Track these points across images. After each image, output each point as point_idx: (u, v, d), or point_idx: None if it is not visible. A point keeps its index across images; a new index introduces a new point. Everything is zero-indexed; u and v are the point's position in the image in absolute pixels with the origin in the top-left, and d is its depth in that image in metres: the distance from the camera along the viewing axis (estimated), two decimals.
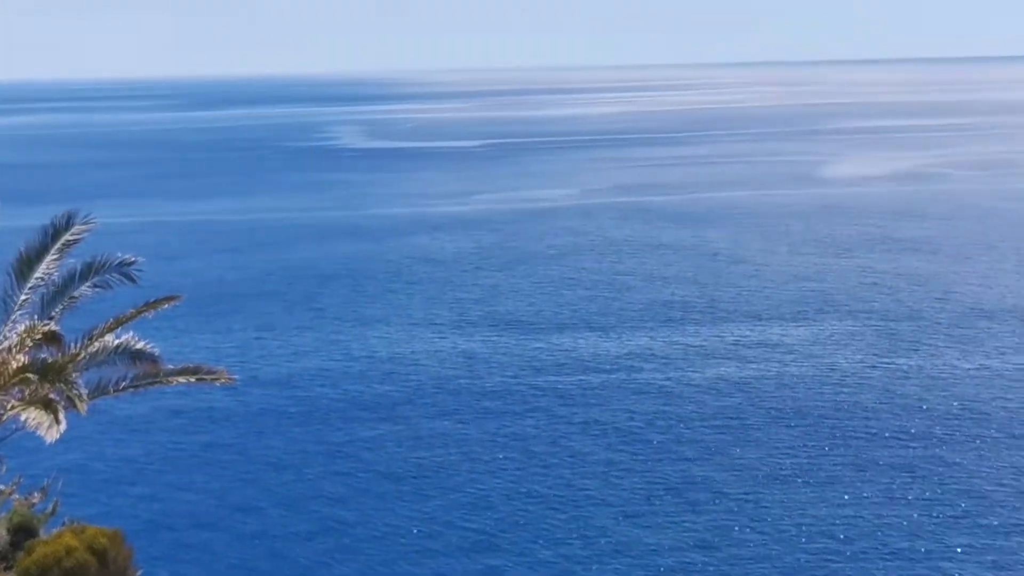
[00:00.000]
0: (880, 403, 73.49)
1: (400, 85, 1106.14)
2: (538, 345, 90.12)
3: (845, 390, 76.33)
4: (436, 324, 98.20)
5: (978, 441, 66.24)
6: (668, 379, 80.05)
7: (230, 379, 31.73)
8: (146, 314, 28.44)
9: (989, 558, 51.67)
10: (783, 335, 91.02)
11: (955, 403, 73.03)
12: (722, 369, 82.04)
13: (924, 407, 72.42)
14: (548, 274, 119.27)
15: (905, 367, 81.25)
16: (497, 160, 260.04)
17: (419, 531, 55.79)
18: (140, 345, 27.86)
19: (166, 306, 29.12)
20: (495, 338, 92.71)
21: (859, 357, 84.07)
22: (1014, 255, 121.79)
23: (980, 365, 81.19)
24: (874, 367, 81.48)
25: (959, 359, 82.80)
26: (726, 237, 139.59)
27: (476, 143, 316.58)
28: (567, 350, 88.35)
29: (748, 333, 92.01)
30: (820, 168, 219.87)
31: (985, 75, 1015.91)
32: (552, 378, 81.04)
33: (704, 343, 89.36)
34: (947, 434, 67.42)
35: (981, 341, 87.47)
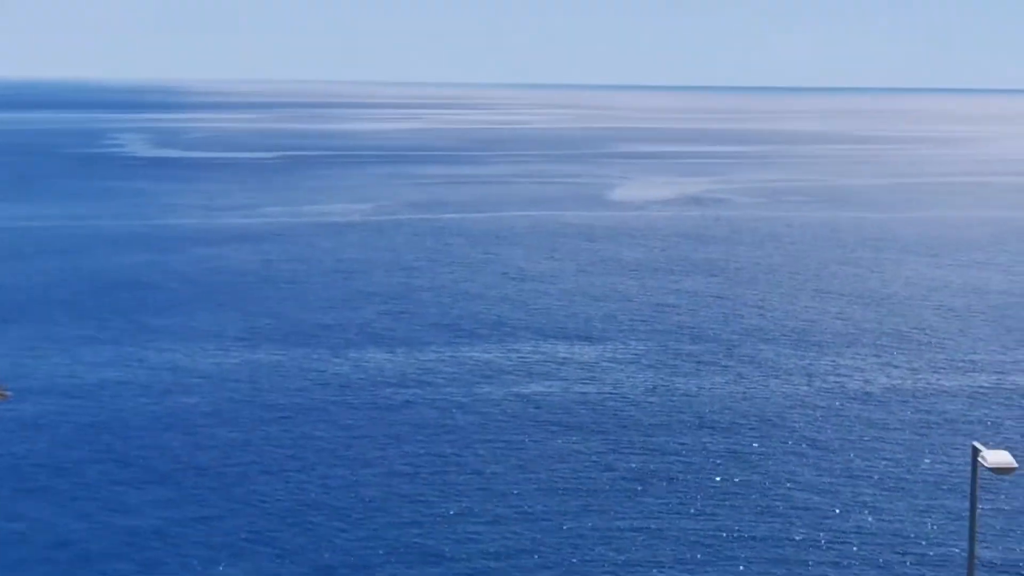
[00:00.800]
0: (663, 420, 75.29)
1: (192, 94, 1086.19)
2: (326, 359, 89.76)
3: (629, 407, 77.97)
4: (223, 336, 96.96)
5: (756, 457, 68.40)
6: (455, 394, 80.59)
7: (3, 395, 30.83)
8: None
9: (759, 569, 53.41)
10: (570, 353, 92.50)
11: (735, 421, 75.29)
12: (510, 386, 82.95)
13: (705, 424, 74.47)
14: (339, 289, 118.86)
15: (688, 386, 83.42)
16: (290, 173, 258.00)
17: (199, 539, 55.05)
18: None
19: None
20: (283, 352, 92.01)
21: (643, 375, 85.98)
22: (790, 279, 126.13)
23: (759, 384, 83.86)
24: (657, 385, 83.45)
25: (740, 379, 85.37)
26: (516, 256, 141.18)
27: (269, 155, 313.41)
28: (355, 365, 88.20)
29: (536, 351, 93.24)
30: (608, 190, 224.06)
31: (772, 105, 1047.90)
32: (338, 392, 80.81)
33: (493, 360, 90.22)
34: (727, 450, 69.45)
35: (760, 362, 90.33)
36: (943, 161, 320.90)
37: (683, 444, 70.61)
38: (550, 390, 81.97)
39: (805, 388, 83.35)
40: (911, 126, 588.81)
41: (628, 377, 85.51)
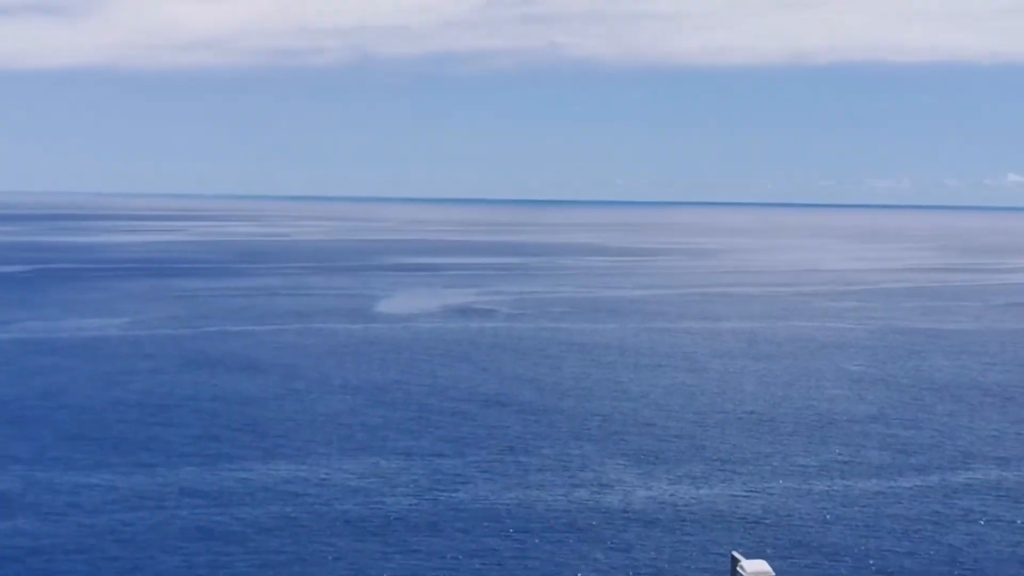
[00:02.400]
0: (430, 523, 74.83)
1: None
2: (78, 475, 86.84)
3: (399, 514, 77.36)
4: None
5: (523, 559, 68.43)
6: (218, 504, 78.72)
7: None
8: None
9: None
10: (335, 464, 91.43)
11: (499, 525, 75.28)
12: (271, 506, 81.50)
13: (470, 528, 74.24)
14: (95, 403, 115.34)
15: (455, 492, 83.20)
16: (44, 286, 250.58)
17: None
18: None
19: None
20: (33, 468, 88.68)
21: (410, 483, 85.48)
22: (552, 388, 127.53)
23: (523, 492, 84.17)
24: (424, 492, 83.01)
25: (507, 487, 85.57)
26: (277, 370, 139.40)
27: (22, 268, 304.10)
28: (110, 479, 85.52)
29: (300, 463, 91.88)
30: (375, 302, 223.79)
31: (540, 217, 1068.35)
32: (97, 509, 78.14)
33: (256, 471, 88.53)
34: (482, 551, 69.28)
35: (527, 469, 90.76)
36: (698, 272, 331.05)
37: (450, 545, 70.27)
38: (316, 500, 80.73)
39: (571, 495, 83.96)
40: (670, 238, 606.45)
41: (394, 487, 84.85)
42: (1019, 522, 79.99)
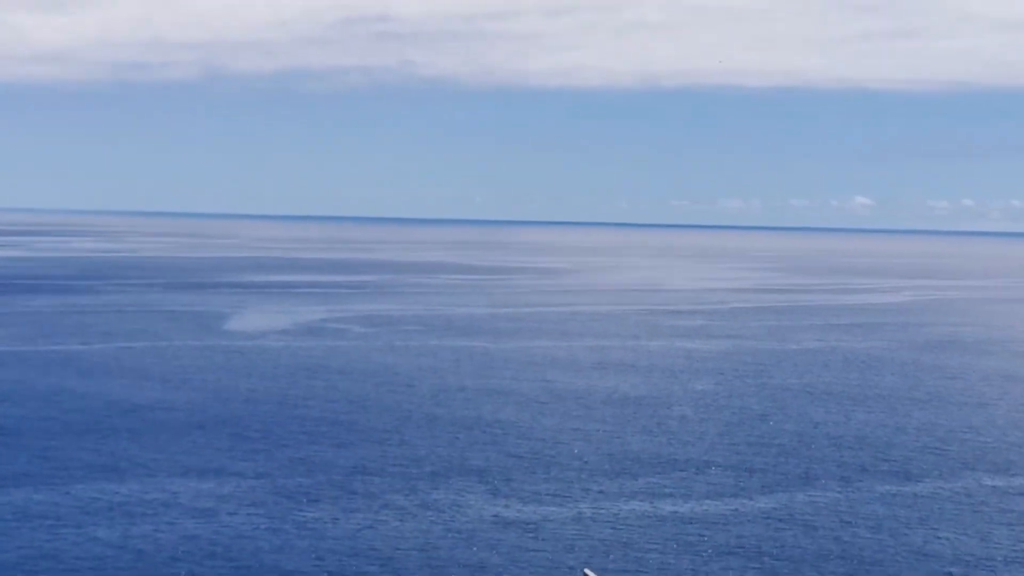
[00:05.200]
0: (270, 550, 73.64)
1: None
2: None
3: (241, 545, 75.96)
4: None
5: None
6: (48, 535, 76.56)
7: None
8: None
9: None
10: (175, 490, 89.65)
11: (344, 555, 74.42)
12: (112, 528, 79.56)
13: (312, 553, 73.24)
14: None
15: (303, 515, 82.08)
16: None
17: None
18: None
19: None
20: None
21: (256, 509, 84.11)
22: (400, 407, 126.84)
23: (371, 517, 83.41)
24: (268, 519, 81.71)
25: (351, 511, 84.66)
26: (122, 389, 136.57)
27: None
28: None
29: (143, 487, 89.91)
30: (223, 320, 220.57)
31: (392, 235, 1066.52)
32: None
33: (90, 497, 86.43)
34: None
35: (371, 495, 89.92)
36: (550, 291, 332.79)
37: (296, 565, 69.33)
38: (159, 521, 79.01)
39: (421, 515, 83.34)
40: (524, 257, 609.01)
41: (239, 508, 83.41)
42: (863, 536, 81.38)
